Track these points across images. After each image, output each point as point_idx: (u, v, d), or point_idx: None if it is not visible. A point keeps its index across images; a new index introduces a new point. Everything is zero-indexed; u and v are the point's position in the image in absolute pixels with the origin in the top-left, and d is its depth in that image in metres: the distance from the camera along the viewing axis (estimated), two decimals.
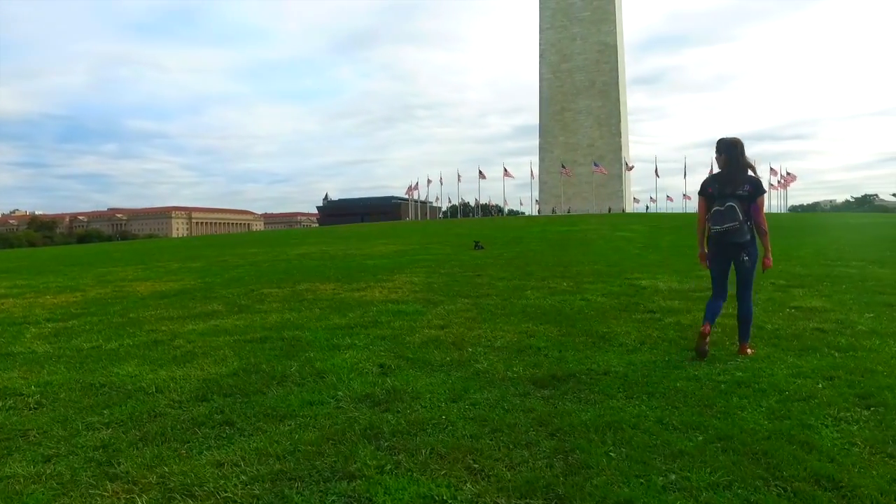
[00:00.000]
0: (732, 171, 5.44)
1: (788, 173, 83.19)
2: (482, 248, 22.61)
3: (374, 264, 16.30)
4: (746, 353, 5.53)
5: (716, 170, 5.71)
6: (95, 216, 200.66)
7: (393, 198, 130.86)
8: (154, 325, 7.48)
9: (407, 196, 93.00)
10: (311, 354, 5.51)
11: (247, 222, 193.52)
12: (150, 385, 4.72)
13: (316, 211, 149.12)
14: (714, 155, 5.64)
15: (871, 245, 21.52)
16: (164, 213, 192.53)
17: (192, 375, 4.93)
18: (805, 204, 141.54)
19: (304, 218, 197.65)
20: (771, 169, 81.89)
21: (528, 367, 5.10)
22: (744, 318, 5.65)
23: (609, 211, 71.86)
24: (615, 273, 12.65)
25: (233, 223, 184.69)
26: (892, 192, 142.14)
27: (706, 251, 5.77)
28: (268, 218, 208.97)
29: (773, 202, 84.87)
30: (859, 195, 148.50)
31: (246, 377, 4.84)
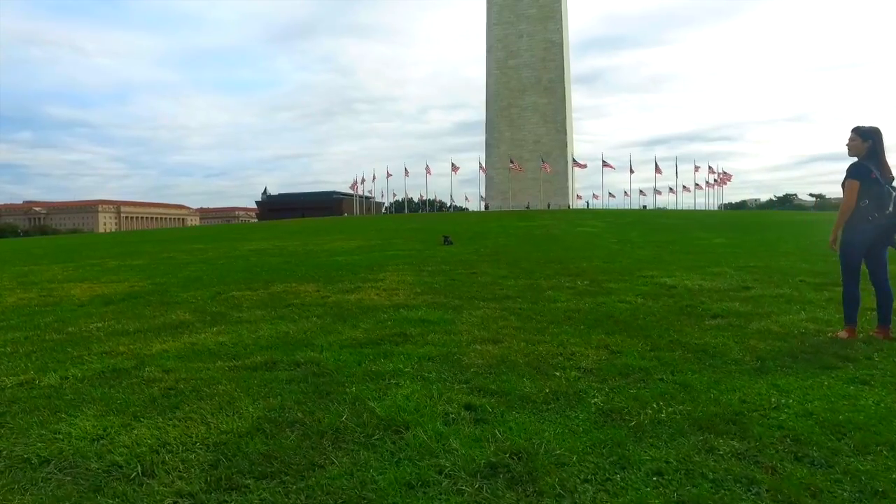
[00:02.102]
0: (884, 158, 5.45)
1: (725, 172, 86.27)
2: (451, 243, 21.30)
3: (345, 261, 14.63)
4: (891, 336, 5.47)
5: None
6: (8, 209, 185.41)
7: (334, 193, 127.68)
8: (107, 345, 5.61)
9: (352, 191, 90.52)
10: (354, 390, 3.92)
11: (181, 217, 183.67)
12: (130, 460, 2.97)
13: (255, 206, 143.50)
14: (849, 141, 5.58)
15: None
16: (90, 207, 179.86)
17: (193, 436, 3.20)
18: (733, 202, 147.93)
19: (242, 213, 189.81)
20: (709, 168, 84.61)
21: (668, 401, 3.74)
22: (887, 302, 5.61)
23: (549, 207, 71.89)
24: (624, 270, 11.58)
25: (166, 218, 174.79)
26: (808, 193, 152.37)
27: (852, 237, 5.52)
28: (204, 213, 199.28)
29: (708, 200, 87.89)
30: (781, 194, 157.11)
31: (279, 436, 3.19)
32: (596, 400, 3.80)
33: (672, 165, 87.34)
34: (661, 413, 3.56)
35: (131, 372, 4.57)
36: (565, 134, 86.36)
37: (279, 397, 3.78)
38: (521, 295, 8.50)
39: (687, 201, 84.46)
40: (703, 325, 6.32)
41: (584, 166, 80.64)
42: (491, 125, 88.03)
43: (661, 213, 55.36)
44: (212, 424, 3.33)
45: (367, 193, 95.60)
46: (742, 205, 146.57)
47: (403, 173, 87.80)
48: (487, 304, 7.68)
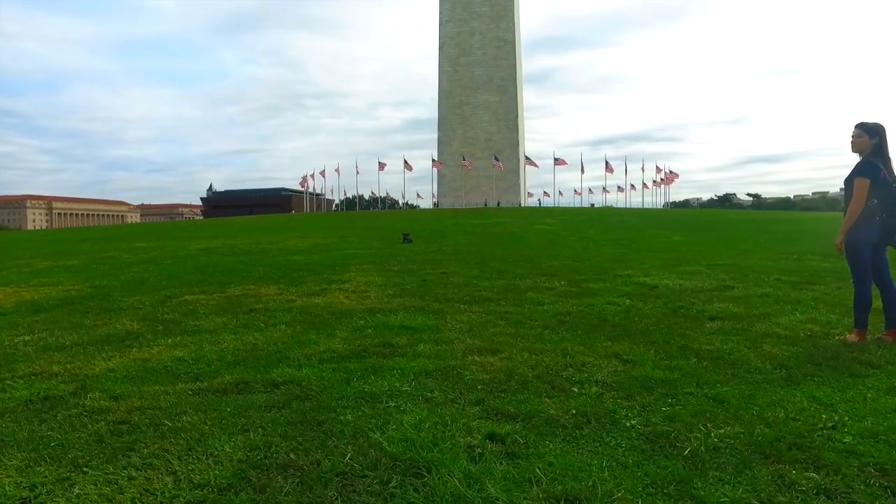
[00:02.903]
0: (889, 156, 5.31)
1: (671, 172, 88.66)
2: (411, 241, 20.73)
3: (304, 261, 13.81)
4: None
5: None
6: None
7: (283, 189, 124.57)
8: (37, 364, 4.73)
9: (302, 188, 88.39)
10: (349, 418, 3.28)
11: (121, 214, 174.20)
12: None
13: (200, 202, 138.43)
14: (853, 137, 5.37)
15: (791, 240, 22.30)
16: (17, 203, 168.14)
17: (158, 493, 2.46)
18: (677, 201, 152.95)
19: (186, 210, 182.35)
20: (657, 167, 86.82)
21: (712, 422, 3.28)
22: (895, 304, 5.38)
23: (498, 204, 72.08)
24: (597, 269, 11.28)
25: (104, 215, 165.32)
26: (746, 192, 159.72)
27: (860, 236, 5.27)
28: (145, 209, 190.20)
29: (655, 199, 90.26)
30: (721, 194, 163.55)
31: (271, 487, 2.50)
32: (633, 422, 3.31)
33: (620, 164, 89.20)
34: (712, 437, 3.10)
35: (69, 400, 3.73)
36: (517, 132, 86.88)
37: (261, 431, 3.10)
38: (502, 297, 8.01)
39: (634, 200, 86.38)
40: (705, 328, 5.98)
41: (536, 165, 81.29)
42: (443, 122, 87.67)
43: (613, 212, 56.24)
44: (181, 474, 2.61)
45: (317, 190, 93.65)
46: (685, 203, 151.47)
47: (354, 170, 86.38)
48: (469, 308, 7.14)
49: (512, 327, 5.98)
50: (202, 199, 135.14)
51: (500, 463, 2.75)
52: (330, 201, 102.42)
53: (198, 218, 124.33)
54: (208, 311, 7.18)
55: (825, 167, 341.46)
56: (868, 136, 5.32)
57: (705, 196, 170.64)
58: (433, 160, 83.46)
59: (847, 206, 5.40)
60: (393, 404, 3.56)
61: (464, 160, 77.23)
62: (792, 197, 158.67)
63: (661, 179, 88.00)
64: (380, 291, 8.62)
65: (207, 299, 8.07)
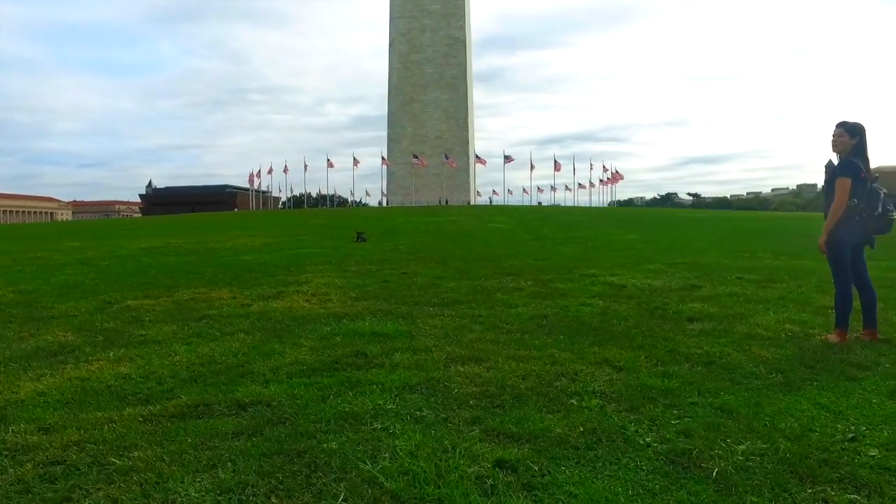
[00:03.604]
0: (867, 156, 5.29)
1: (617, 171, 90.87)
2: (365, 240, 20.21)
3: (255, 261, 13.11)
4: (878, 338, 5.32)
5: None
6: None
7: (227, 186, 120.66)
8: None
9: (248, 186, 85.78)
10: (334, 446, 2.85)
11: (50, 211, 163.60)
12: None
13: (138, 199, 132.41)
14: (835, 137, 5.31)
15: (738, 238, 23.01)
16: None
17: None
18: (622, 199, 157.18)
19: (123, 207, 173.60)
20: (603, 167, 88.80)
21: (730, 436, 3.03)
22: (873, 303, 5.42)
23: (447, 203, 71.96)
24: (560, 269, 11.12)
25: (30, 211, 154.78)
26: (686, 192, 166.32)
27: (842, 236, 5.25)
28: (77, 206, 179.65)
29: (601, 197, 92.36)
30: (663, 193, 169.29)
31: None
32: (647, 439, 3.03)
33: (568, 163, 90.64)
34: (737, 455, 2.85)
35: None
36: (467, 131, 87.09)
37: (231, 466, 2.62)
38: (471, 299, 7.67)
39: (582, 198, 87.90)
40: (686, 329, 5.82)
41: (485, 162, 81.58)
42: (393, 120, 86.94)
43: (563, 210, 56.97)
44: None
45: (264, 188, 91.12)
46: (630, 202, 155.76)
47: (302, 167, 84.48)
48: (441, 311, 6.77)
49: (489, 332, 5.65)
50: (141, 195, 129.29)
51: (518, 496, 2.40)
52: (277, 199, 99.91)
53: (136, 216, 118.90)
54: (155, 318, 6.53)
55: (757, 168, 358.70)
56: (849, 136, 5.26)
57: (648, 195, 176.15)
58: (383, 158, 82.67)
59: (828, 207, 5.34)
60: (380, 426, 3.15)
61: (416, 158, 76.73)
62: (729, 196, 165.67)
63: (608, 178, 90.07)
64: (341, 294, 8.14)
65: (153, 305, 7.39)
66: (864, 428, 3.24)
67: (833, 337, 5.30)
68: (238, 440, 2.95)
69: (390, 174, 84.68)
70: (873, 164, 5.48)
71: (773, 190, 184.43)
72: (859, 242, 5.37)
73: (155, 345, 5.18)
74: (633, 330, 5.80)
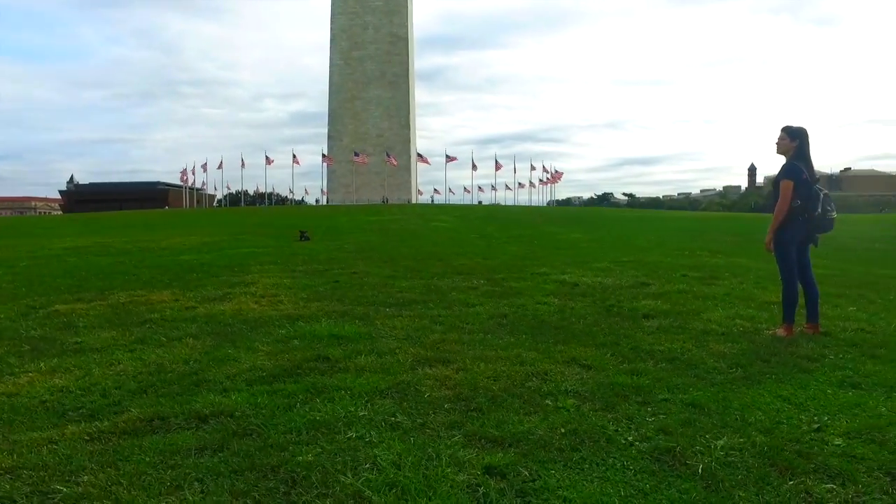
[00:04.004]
0: (810, 158, 5.51)
1: (557, 171, 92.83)
2: (309, 238, 19.75)
3: (195, 261, 12.50)
4: (820, 331, 5.55)
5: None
6: None
7: (159, 183, 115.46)
8: None
9: (182, 182, 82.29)
10: (309, 458, 2.64)
11: None
12: None
13: (59, 196, 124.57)
14: (778, 140, 5.57)
15: (676, 237, 23.92)
16: None
17: None
18: (560, 199, 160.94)
19: (41, 204, 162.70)
20: (543, 167, 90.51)
21: (707, 431, 3.05)
22: (816, 299, 5.66)
23: (387, 201, 71.57)
24: (511, 267, 11.19)
25: None
26: (622, 192, 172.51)
27: (787, 235, 5.47)
28: None
29: (541, 197, 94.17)
30: (600, 193, 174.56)
31: None
32: (628, 438, 3.01)
33: (507, 163, 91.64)
34: (717, 450, 2.87)
35: None
36: (409, 129, 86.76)
37: (200, 488, 2.38)
38: (427, 298, 7.55)
39: (521, 198, 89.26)
40: (644, 326, 5.92)
41: (428, 162, 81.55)
42: (334, 117, 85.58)
43: (505, 209, 57.63)
44: None
45: (198, 185, 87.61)
46: (568, 202, 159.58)
47: (239, 164, 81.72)
48: (398, 312, 6.62)
49: (451, 332, 5.55)
50: (61, 192, 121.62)
51: None
52: (212, 197, 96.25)
53: (56, 213, 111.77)
54: (89, 323, 6.07)
55: (687, 170, 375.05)
56: (790, 139, 5.52)
57: (585, 195, 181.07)
58: (323, 155, 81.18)
59: (773, 208, 5.56)
60: (355, 435, 2.99)
61: (357, 156, 75.80)
62: (661, 197, 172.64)
63: (548, 178, 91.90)
64: (292, 295, 7.85)
65: (86, 309, 6.87)
66: (826, 418, 3.35)
67: (781, 331, 5.51)
68: (203, 456, 2.72)
69: (331, 172, 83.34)
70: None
71: (701, 191, 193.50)
72: (803, 241, 5.61)
73: (93, 353, 4.78)
74: (593, 328, 5.85)
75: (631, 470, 2.68)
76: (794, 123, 5.64)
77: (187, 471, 2.56)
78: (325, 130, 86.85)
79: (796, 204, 5.38)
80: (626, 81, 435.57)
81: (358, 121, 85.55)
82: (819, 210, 5.41)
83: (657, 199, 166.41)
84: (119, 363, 4.43)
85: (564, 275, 9.93)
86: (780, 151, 5.60)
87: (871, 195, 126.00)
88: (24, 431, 3.06)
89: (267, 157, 78.86)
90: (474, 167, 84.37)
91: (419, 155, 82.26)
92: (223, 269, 10.97)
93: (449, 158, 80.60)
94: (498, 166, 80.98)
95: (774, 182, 5.65)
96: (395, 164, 78.03)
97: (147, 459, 2.68)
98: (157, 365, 4.34)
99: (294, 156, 79.27)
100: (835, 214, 5.54)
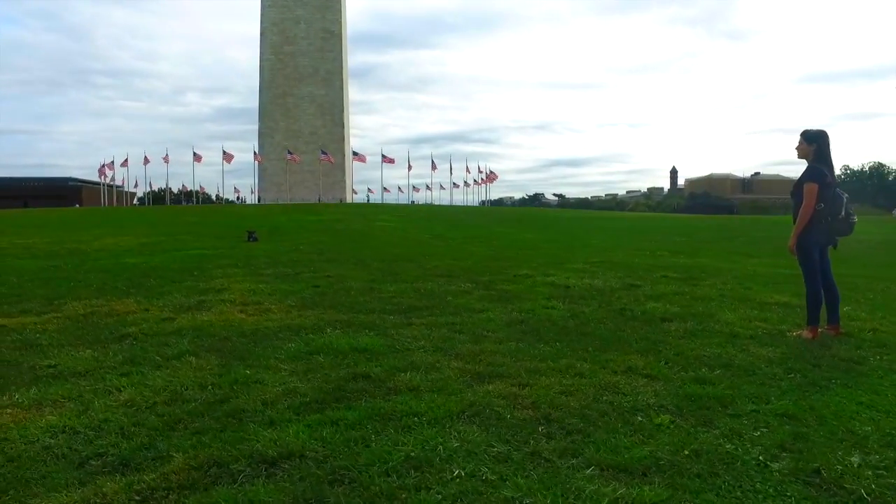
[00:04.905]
0: (831, 161, 5.51)
1: (491, 171, 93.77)
2: (257, 239, 18.80)
3: (144, 265, 11.42)
4: (841, 333, 5.55)
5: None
6: None
7: (70, 179, 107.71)
8: None
9: (100, 179, 76.92)
10: None
11: None
12: None
13: None
14: (797, 145, 5.56)
15: (625, 237, 24.45)
16: None
17: None
18: (493, 199, 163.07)
19: None
20: (478, 168, 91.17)
21: (822, 447, 2.80)
22: (837, 301, 5.67)
23: (319, 200, 69.95)
24: (491, 270, 10.85)
25: None
26: (553, 193, 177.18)
27: (810, 239, 5.45)
28: None
29: (475, 197, 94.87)
30: (531, 193, 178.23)
31: None
32: (757, 457, 2.76)
33: (441, 163, 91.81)
34: (863, 468, 2.63)
35: None
36: (343, 127, 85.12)
37: None
38: (426, 304, 7.10)
39: (456, 198, 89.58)
40: (669, 331, 5.74)
41: (365, 160, 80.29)
42: (265, 114, 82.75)
43: (443, 209, 57.48)
44: None
45: (117, 182, 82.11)
46: (500, 202, 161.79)
47: (161, 161, 77.36)
48: (407, 320, 6.13)
49: (481, 342, 5.14)
50: None
51: None
52: (132, 194, 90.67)
53: None
54: (53, 341, 5.21)
55: (614, 172, 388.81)
56: (807, 143, 5.51)
57: (517, 195, 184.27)
58: (254, 153, 78.28)
59: (796, 211, 5.51)
60: (464, 472, 2.53)
61: (290, 154, 73.54)
62: (590, 197, 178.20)
63: (483, 179, 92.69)
64: (276, 302, 7.18)
65: (40, 323, 5.94)
66: None
67: (806, 333, 5.46)
68: None
69: (262, 170, 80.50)
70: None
71: (627, 192, 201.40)
72: (825, 244, 5.60)
73: (78, 378, 4.02)
74: (618, 333, 5.60)
75: (791, 497, 2.39)
76: (812, 128, 5.64)
77: None
78: (254, 127, 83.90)
79: (820, 207, 5.36)
80: (555, 84, 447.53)
81: (290, 118, 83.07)
82: (843, 213, 5.40)
83: (586, 199, 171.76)
84: (119, 391, 3.72)
85: (549, 277, 9.70)
86: (800, 156, 5.61)
87: (779, 197, 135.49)
88: (46, 493, 2.38)
89: (196, 154, 75.03)
90: (409, 168, 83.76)
91: (355, 153, 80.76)
92: (180, 273, 10.04)
93: (386, 159, 79.74)
94: (433, 166, 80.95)
95: (797, 185, 5.60)
96: (333, 162, 76.29)
97: None
98: (170, 392, 3.67)
99: (224, 152, 75.79)
100: (856, 218, 5.57)
